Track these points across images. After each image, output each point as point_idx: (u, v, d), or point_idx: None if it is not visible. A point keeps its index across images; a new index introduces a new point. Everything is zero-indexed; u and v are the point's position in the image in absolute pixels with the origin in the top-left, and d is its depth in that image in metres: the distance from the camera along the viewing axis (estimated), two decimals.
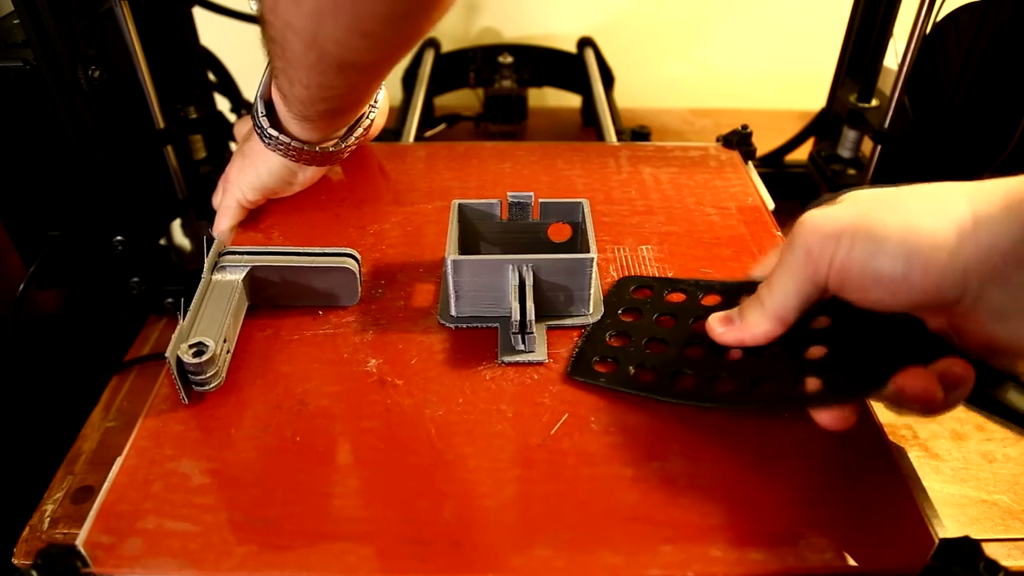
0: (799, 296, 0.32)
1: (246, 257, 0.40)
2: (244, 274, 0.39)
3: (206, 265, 0.39)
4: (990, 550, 0.28)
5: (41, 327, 0.59)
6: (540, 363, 0.37)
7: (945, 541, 0.29)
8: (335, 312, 0.41)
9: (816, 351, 0.33)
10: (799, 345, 0.33)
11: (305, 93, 0.40)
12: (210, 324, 0.36)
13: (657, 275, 0.43)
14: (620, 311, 0.40)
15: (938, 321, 0.31)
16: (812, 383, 0.32)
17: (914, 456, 0.46)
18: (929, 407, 0.29)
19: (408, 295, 0.42)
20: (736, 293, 0.37)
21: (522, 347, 0.37)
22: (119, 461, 0.33)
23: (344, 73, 0.38)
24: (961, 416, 0.48)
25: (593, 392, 0.36)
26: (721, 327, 0.35)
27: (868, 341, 0.32)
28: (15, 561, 0.40)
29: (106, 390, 0.52)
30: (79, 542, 0.29)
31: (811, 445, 0.33)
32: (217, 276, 0.39)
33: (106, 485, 0.32)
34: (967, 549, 0.28)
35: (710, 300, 0.38)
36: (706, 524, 0.30)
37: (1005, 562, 0.39)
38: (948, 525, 0.31)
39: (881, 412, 0.36)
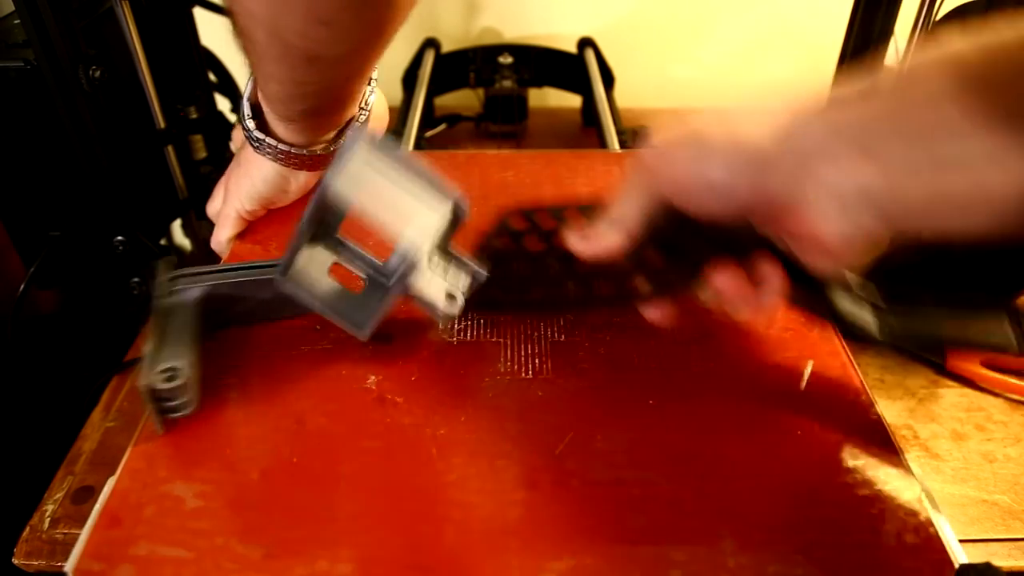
0: (638, 207, 0.34)
1: (198, 277, 0.39)
2: (200, 294, 0.38)
3: (157, 289, 0.38)
4: (990, 550, 0.28)
5: (41, 327, 0.59)
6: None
7: (965, 567, 0.29)
8: (333, 327, 0.40)
9: (651, 256, 0.36)
10: (638, 253, 0.36)
11: (280, 90, 0.40)
12: (175, 348, 0.35)
13: None
14: (495, 241, 0.44)
15: (771, 229, 0.32)
16: (641, 283, 0.36)
17: (914, 456, 0.46)
18: (742, 300, 0.33)
19: (409, 309, 0.42)
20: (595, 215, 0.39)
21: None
22: (110, 483, 0.32)
23: (314, 67, 0.38)
24: (961, 416, 0.48)
25: (598, 408, 0.35)
26: (575, 240, 0.37)
27: (690, 245, 0.35)
28: (15, 561, 0.40)
29: (106, 390, 0.52)
30: (68, 569, 0.29)
31: (828, 467, 0.33)
32: (171, 299, 0.38)
33: (96, 509, 0.31)
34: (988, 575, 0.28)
35: (574, 223, 0.41)
36: (717, 548, 0.30)
37: (1005, 562, 0.39)
38: (949, 525, 0.31)
39: (885, 410, 0.36)
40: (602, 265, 0.37)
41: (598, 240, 0.36)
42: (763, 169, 0.29)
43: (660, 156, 0.33)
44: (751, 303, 0.33)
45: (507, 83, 0.81)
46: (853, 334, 0.34)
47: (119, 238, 0.53)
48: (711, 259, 0.33)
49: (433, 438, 0.34)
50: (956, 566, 0.29)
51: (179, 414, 0.34)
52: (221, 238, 0.47)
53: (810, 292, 0.34)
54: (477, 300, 0.39)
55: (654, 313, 0.36)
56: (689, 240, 0.35)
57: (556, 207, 0.44)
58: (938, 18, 0.55)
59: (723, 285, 0.33)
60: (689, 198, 0.32)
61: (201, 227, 0.65)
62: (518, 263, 0.41)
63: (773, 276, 0.33)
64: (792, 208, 0.29)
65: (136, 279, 0.55)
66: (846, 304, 0.33)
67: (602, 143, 0.68)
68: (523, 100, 0.80)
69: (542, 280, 0.40)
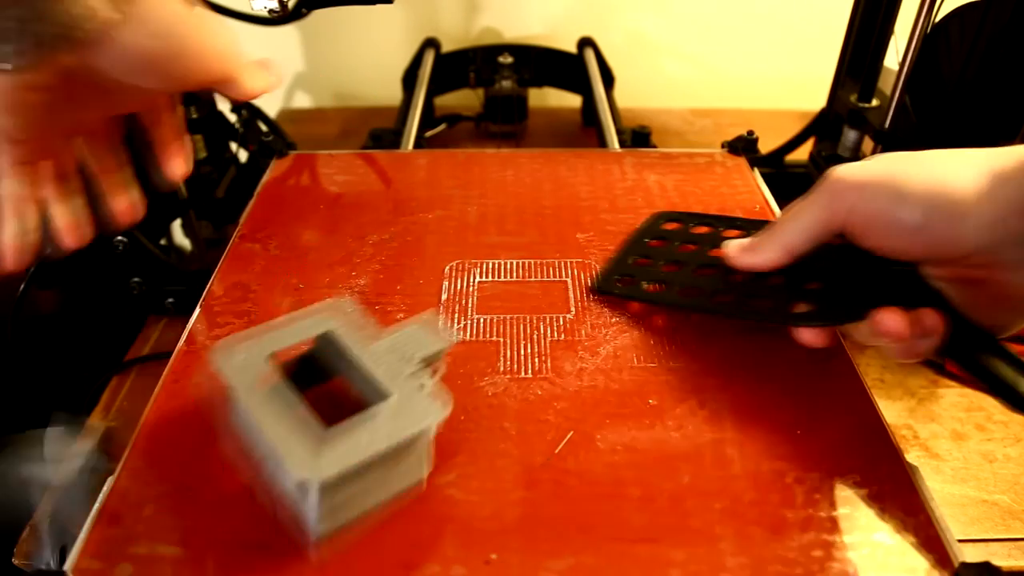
0: (811, 234, 0.35)
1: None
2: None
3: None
4: (990, 550, 0.28)
5: (41, 327, 0.59)
6: None
7: (965, 566, 0.29)
8: None
9: (812, 284, 0.37)
10: (799, 277, 0.37)
11: None
12: None
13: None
14: (647, 239, 0.46)
15: (942, 272, 0.33)
16: (801, 307, 0.36)
17: (914, 456, 0.46)
18: (900, 346, 0.32)
19: (408, 308, 0.42)
20: (755, 229, 0.40)
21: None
22: (109, 482, 0.32)
23: None
24: (961, 416, 0.48)
25: (598, 408, 0.35)
26: (735, 251, 0.39)
27: (860, 280, 0.35)
28: (15, 561, 0.40)
29: (106, 390, 0.52)
30: (68, 567, 0.29)
31: (828, 467, 0.33)
32: None
33: (95, 507, 0.31)
34: (988, 574, 0.28)
35: (731, 234, 0.43)
36: (717, 548, 0.30)
37: (1005, 562, 0.39)
38: (948, 525, 0.31)
39: (885, 410, 0.36)
40: (760, 283, 0.38)
41: (760, 254, 0.37)
42: (960, 217, 0.29)
43: (850, 187, 0.33)
44: (910, 351, 0.33)
45: (507, 83, 0.81)
46: (1012, 400, 0.33)
47: (119, 238, 0.53)
48: (875, 298, 0.33)
49: (433, 438, 0.34)
50: (956, 566, 0.29)
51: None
52: None
53: (970, 350, 0.33)
54: (631, 293, 0.42)
55: (808, 336, 0.36)
56: (854, 274, 0.35)
57: (704, 215, 0.46)
58: (938, 18, 0.55)
59: (888, 328, 0.32)
60: (873, 234, 0.32)
61: (201, 227, 0.65)
62: (667, 264, 0.43)
63: (936, 329, 0.32)
64: (982, 260, 0.29)
65: (136, 279, 0.55)
66: (1006, 369, 0.33)
67: (602, 143, 0.68)
68: (523, 100, 0.80)
69: (697, 281, 0.41)
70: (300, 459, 0.27)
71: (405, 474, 0.31)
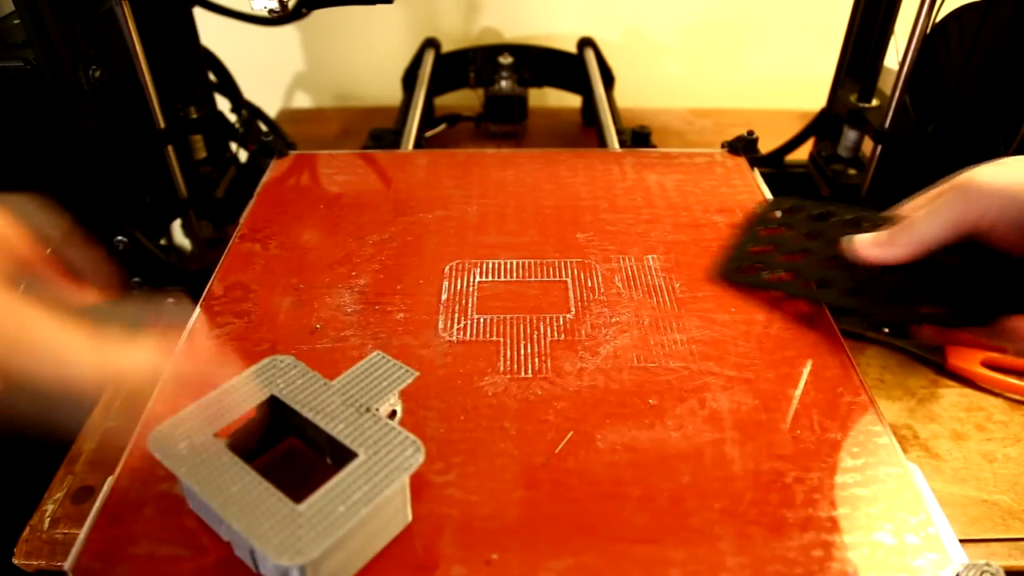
0: (946, 232, 0.35)
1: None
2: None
3: None
4: (990, 550, 0.28)
5: None
6: None
7: (965, 566, 0.29)
8: (333, 326, 0.40)
9: (938, 283, 0.37)
10: (927, 274, 0.37)
11: None
12: None
13: (669, 277, 0.44)
14: (760, 228, 0.46)
15: None
16: (931, 309, 0.37)
17: (914, 456, 0.46)
18: None
19: (408, 307, 0.42)
20: (875, 223, 0.40)
21: None
22: (110, 483, 0.32)
23: None
24: (961, 416, 0.48)
25: (598, 408, 0.35)
26: (865, 244, 0.38)
27: (991, 281, 0.36)
28: (15, 561, 0.40)
29: (106, 390, 0.52)
30: (67, 567, 0.29)
31: (828, 467, 0.33)
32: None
33: (95, 508, 0.31)
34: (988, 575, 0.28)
35: (848, 217, 0.43)
36: (717, 548, 0.30)
37: (1005, 562, 0.39)
38: (948, 525, 0.31)
39: (885, 411, 0.36)
40: (888, 278, 0.38)
41: (893, 249, 0.37)
42: None
43: (989, 191, 0.33)
44: None
45: (507, 83, 0.81)
46: None
47: (119, 238, 0.53)
48: (1008, 301, 0.34)
49: (432, 437, 0.34)
50: (956, 566, 0.29)
51: None
52: None
53: None
54: (754, 282, 0.42)
55: (931, 333, 0.37)
56: (985, 275, 0.36)
57: (823, 201, 0.46)
58: (938, 18, 0.55)
59: (1020, 332, 0.33)
60: (1010, 238, 0.33)
61: (201, 227, 0.65)
62: (787, 254, 0.43)
63: None
64: None
65: (136, 279, 0.55)
66: None
67: (602, 143, 0.68)
68: (523, 100, 0.80)
69: (826, 273, 0.41)
70: (277, 545, 0.25)
71: (391, 522, 0.30)
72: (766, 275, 0.43)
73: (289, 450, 0.33)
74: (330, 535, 0.26)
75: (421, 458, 0.29)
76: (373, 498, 0.27)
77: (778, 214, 0.47)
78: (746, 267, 0.44)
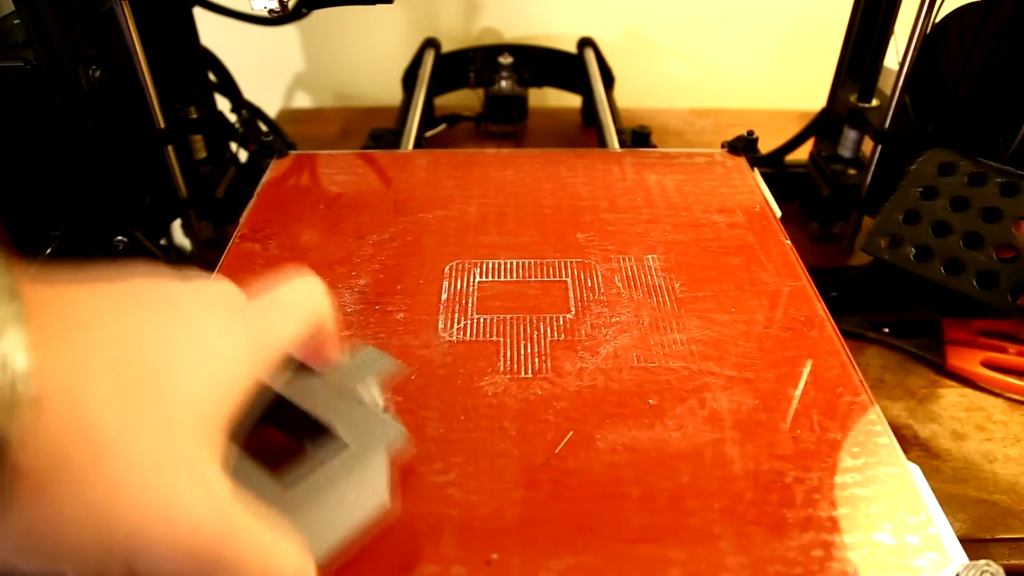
0: None
1: None
2: None
3: None
4: (990, 550, 0.28)
5: None
6: None
7: (965, 566, 0.29)
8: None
9: None
10: None
11: None
12: None
13: (669, 277, 0.43)
14: (918, 188, 0.42)
15: None
16: None
17: (914, 456, 0.46)
18: None
19: (408, 307, 0.42)
20: None
21: None
22: None
23: None
24: (961, 416, 0.48)
25: (598, 408, 0.35)
26: None
27: None
28: None
29: None
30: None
31: (828, 467, 0.33)
32: None
33: None
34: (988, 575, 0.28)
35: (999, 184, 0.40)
36: (717, 548, 0.29)
37: (1005, 562, 0.39)
38: (948, 525, 0.31)
39: (885, 410, 0.36)
40: (1009, 259, 0.37)
41: None
42: None
43: None
44: None
45: (507, 83, 0.81)
46: None
47: (119, 238, 0.53)
48: None
49: (432, 437, 0.34)
50: (956, 566, 0.29)
51: None
52: None
53: None
54: (899, 261, 0.40)
55: None
56: None
57: (987, 164, 0.43)
58: (938, 18, 0.55)
59: None
60: None
61: (201, 227, 0.65)
62: (932, 225, 0.41)
63: None
64: None
65: None
66: None
67: (602, 143, 0.68)
68: (523, 100, 0.80)
69: (956, 258, 0.39)
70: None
71: (364, 493, 0.28)
72: (912, 250, 0.40)
73: (264, 436, 0.32)
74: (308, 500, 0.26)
75: (399, 432, 0.28)
76: (340, 451, 0.27)
77: (937, 173, 0.43)
78: (891, 238, 0.41)
